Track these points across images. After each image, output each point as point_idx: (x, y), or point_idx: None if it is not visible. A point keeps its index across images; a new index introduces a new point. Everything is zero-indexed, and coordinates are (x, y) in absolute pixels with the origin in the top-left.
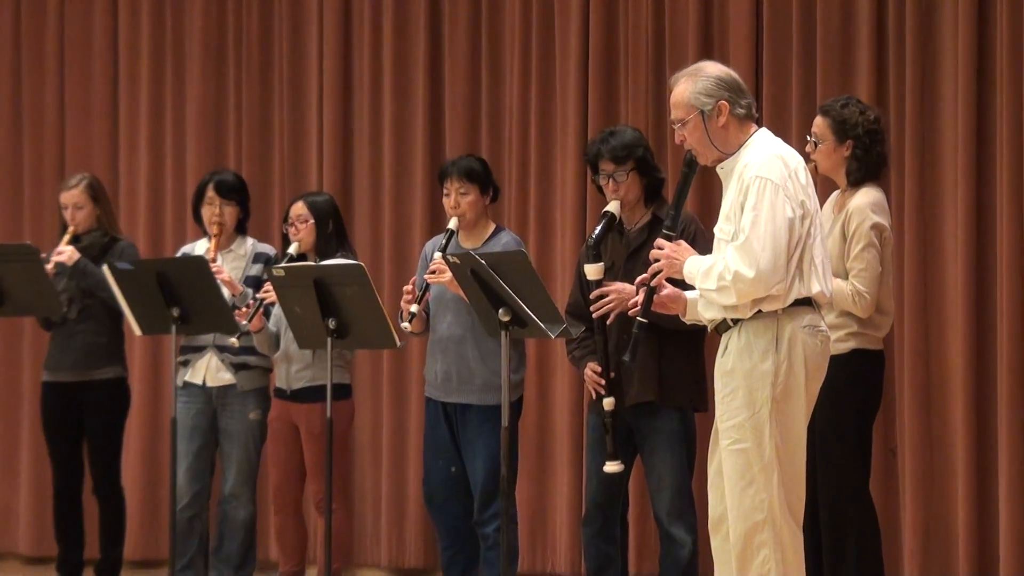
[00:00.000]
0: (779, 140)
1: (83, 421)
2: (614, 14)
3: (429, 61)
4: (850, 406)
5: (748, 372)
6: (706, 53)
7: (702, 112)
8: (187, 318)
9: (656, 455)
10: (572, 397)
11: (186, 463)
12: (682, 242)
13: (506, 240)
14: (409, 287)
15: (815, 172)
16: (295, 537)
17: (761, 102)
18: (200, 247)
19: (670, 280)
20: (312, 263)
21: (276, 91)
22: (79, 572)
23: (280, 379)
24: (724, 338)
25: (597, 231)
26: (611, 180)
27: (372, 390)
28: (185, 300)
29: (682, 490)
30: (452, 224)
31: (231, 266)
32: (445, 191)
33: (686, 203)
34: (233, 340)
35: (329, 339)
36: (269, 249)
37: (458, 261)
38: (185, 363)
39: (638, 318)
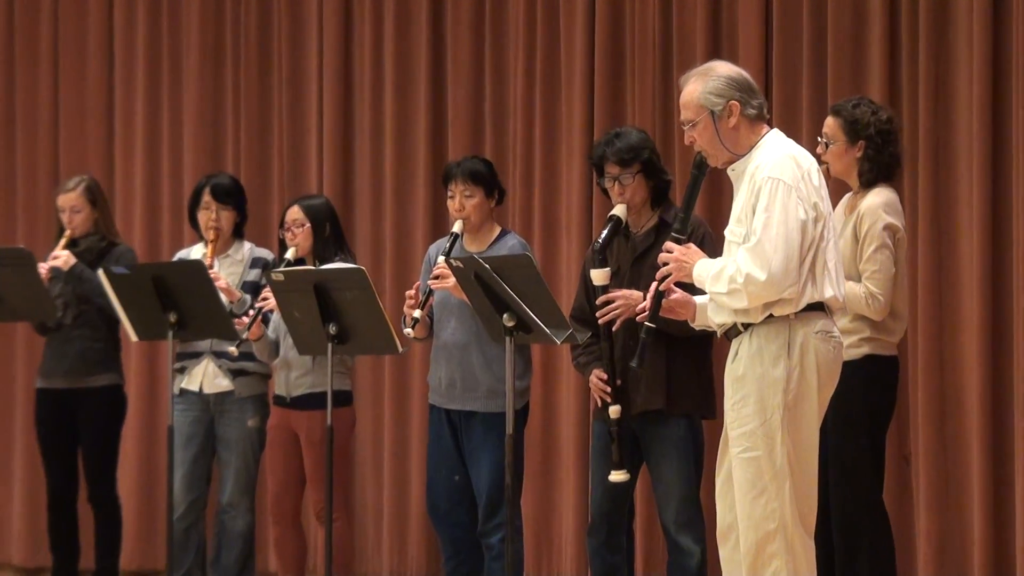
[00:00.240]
0: (791, 141)
1: (78, 429)
2: (620, 13)
3: (431, 60)
4: (863, 413)
5: (759, 378)
6: (715, 53)
7: (712, 112)
8: (184, 323)
9: (663, 463)
10: (577, 404)
11: (182, 471)
12: (691, 245)
13: (512, 243)
14: (412, 292)
15: (827, 174)
16: (294, 547)
17: (771, 103)
18: (196, 252)
19: (679, 284)
20: (312, 267)
21: (275, 91)
22: None
23: (279, 386)
24: (734, 343)
25: (603, 235)
26: (617, 183)
27: (374, 397)
28: (182, 305)
29: (690, 499)
30: (456, 227)
31: (228, 271)
32: (449, 193)
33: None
34: (232, 349)
35: (330, 345)
36: (267, 253)
37: (461, 265)
38: (181, 370)
39: (646, 323)
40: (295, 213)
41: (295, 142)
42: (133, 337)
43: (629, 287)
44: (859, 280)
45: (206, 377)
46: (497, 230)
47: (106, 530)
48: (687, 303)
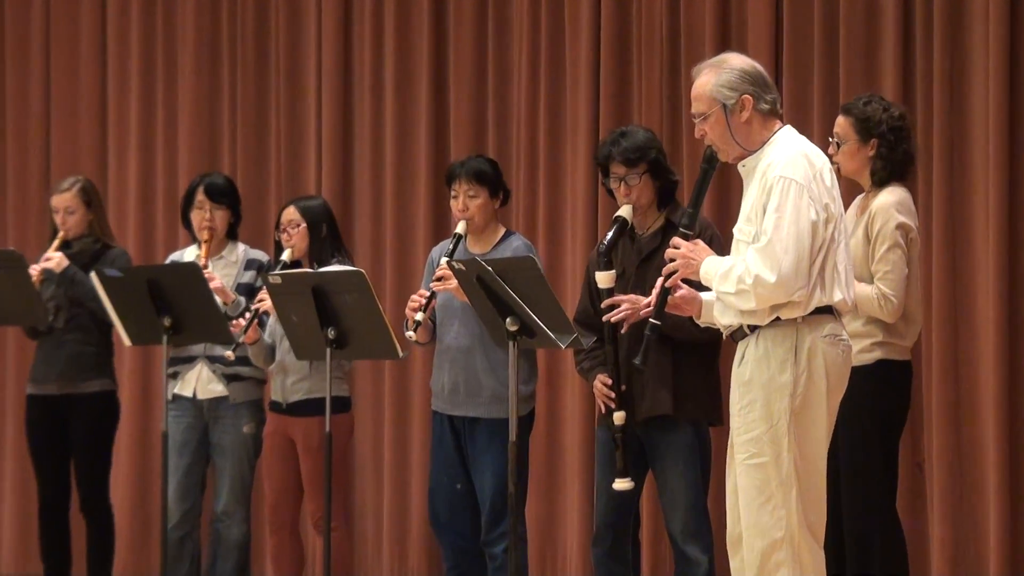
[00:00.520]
0: (804, 138)
1: (70, 436)
2: (627, 9)
3: (433, 57)
4: (876, 419)
5: (766, 383)
6: (723, 49)
7: (724, 106)
8: (179, 328)
9: (669, 471)
10: (582, 410)
11: (176, 479)
12: (699, 241)
13: (516, 245)
14: (416, 296)
15: (838, 175)
16: (292, 557)
17: (781, 102)
18: (190, 254)
19: (685, 281)
20: (310, 270)
21: (272, 89)
22: None
23: (276, 392)
24: (740, 346)
25: (608, 237)
26: (622, 183)
27: (373, 403)
28: (177, 309)
29: (697, 507)
30: (460, 228)
31: (222, 273)
32: (452, 193)
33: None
34: (228, 353)
35: (328, 349)
36: (261, 255)
37: (463, 267)
38: (175, 375)
39: (650, 319)
40: (291, 214)
41: (293, 142)
42: (127, 342)
43: (635, 290)
44: (871, 281)
45: (200, 382)
46: (501, 231)
47: (98, 539)
48: (693, 299)
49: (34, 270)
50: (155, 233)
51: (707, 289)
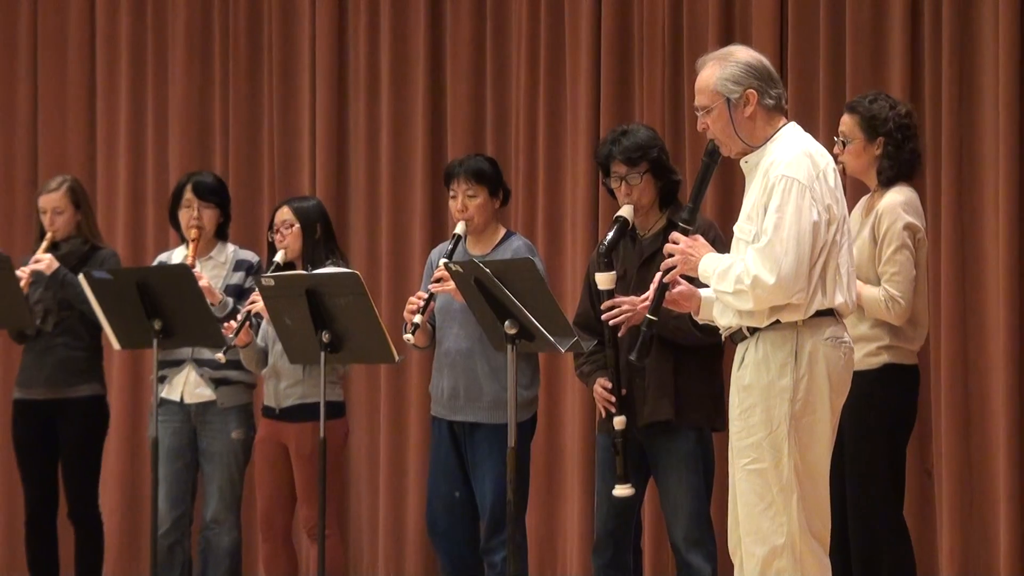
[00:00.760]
0: (808, 136)
1: (58, 441)
2: (628, 4)
3: (430, 54)
4: (882, 425)
5: (766, 387)
6: (726, 45)
7: (728, 100)
8: (170, 331)
9: (671, 478)
10: (583, 416)
11: (166, 486)
12: (699, 237)
13: (517, 246)
14: (414, 298)
15: (843, 175)
16: (285, 566)
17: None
18: (178, 255)
19: (684, 277)
20: (304, 272)
21: (265, 86)
22: None
23: (268, 397)
24: (740, 349)
25: (609, 237)
26: (624, 183)
27: (369, 408)
28: (167, 311)
29: (700, 515)
30: (459, 229)
31: (210, 274)
32: (451, 193)
33: (704, 204)
34: (219, 356)
35: (322, 353)
36: (252, 256)
37: (460, 269)
38: (162, 379)
39: (647, 315)
40: (284, 214)
41: (286, 141)
42: (116, 345)
43: (636, 292)
44: (877, 283)
45: (187, 386)
46: (502, 232)
47: (87, 548)
48: (691, 296)
49: (23, 272)
50: (145, 234)
51: (707, 285)
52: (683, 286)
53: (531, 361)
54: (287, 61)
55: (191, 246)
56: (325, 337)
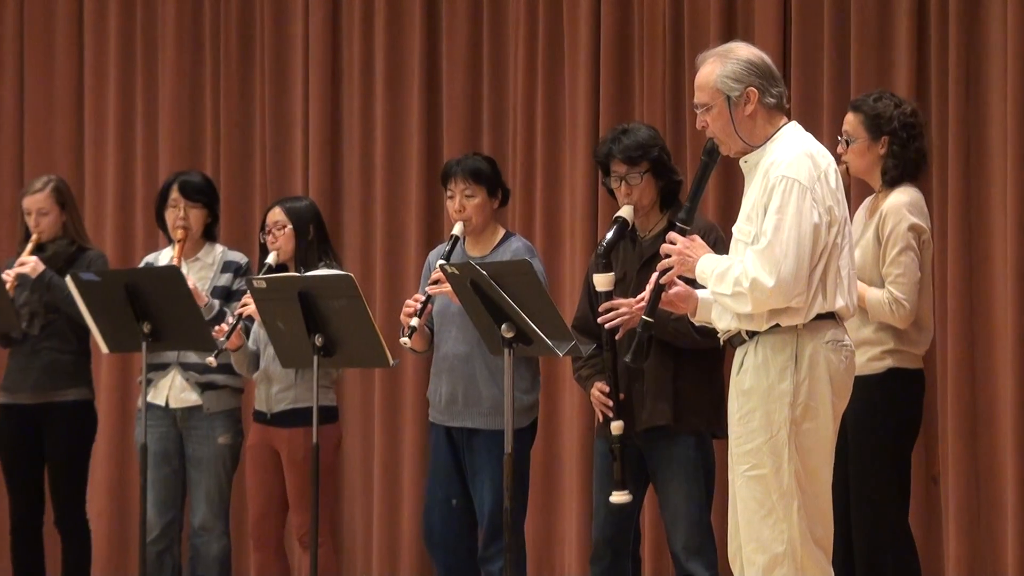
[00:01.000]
0: (810, 136)
1: (44, 447)
2: (628, 1)
3: (426, 51)
4: (887, 431)
5: (766, 392)
6: (729, 41)
7: (728, 98)
8: (159, 334)
9: (670, 485)
10: (581, 421)
11: (153, 492)
12: (696, 237)
13: (516, 247)
14: (411, 300)
15: (846, 175)
16: (277, 573)
17: (789, 97)
18: (165, 256)
19: (682, 278)
20: (296, 274)
21: (257, 85)
22: None
23: (260, 401)
24: (738, 353)
25: (608, 237)
26: (623, 183)
27: (363, 413)
28: (157, 314)
29: (699, 523)
30: (456, 230)
31: (198, 275)
32: (448, 193)
33: (705, 205)
34: (211, 359)
35: (315, 357)
36: (240, 257)
37: (457, 271)
38: (148, 382)
39: (643, 316)
40: (276, 215)
41: (279, 140)
42: (104, 349)
43: (635, 294)
44: (881, 285)
45: (172, 391)
46: (501, 233)
47: (74, 555)
48: (688, 297)
49: (8, 276)
50: (134, 235)
51: (704, 287)
52: (680, 287)
53: (531, 365)
54: (279, 57)
55: (177, 247)
56: (318, 341)
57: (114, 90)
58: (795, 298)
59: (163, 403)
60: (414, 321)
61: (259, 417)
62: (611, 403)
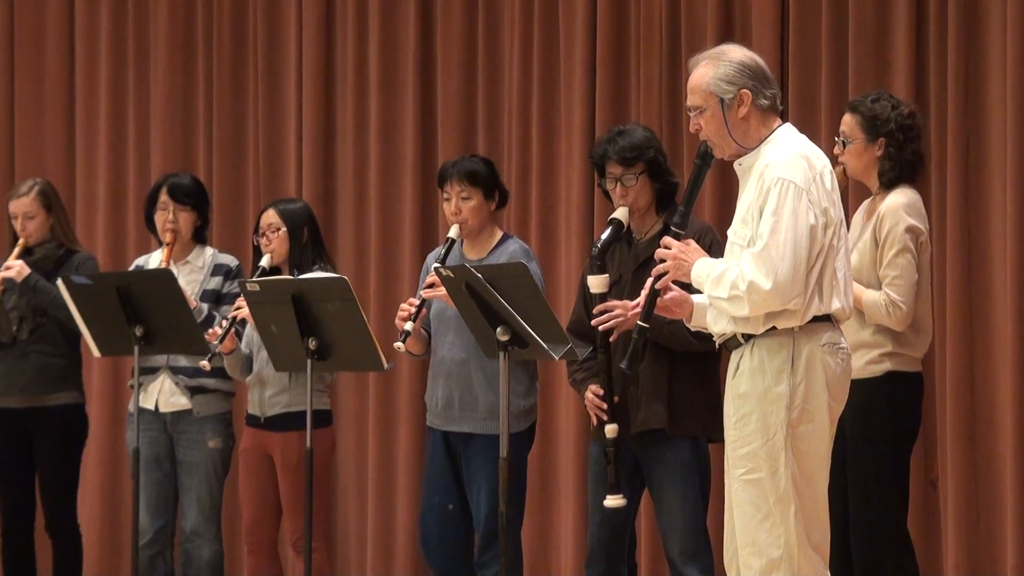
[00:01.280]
0: (804, 137)
1: (35, 452)
2: (624, 0)
3: (420, 51)
4: (885, 434)
5: (762, 395)
6: (726, 42)
7: (722, 100)
8: (151, 337)
9: (666, 489)
10: (577, 425)
11: (145, 497)
12: (691, 241)
13: (513, 249)
14: (406, 304)
15: (843, 177)
16: None
17: (787, 98)
18: (155, 259)
19: (677, 282)
20: (290, 277)
21: (250, 85)
22: None
23: (253, 405)
24: (734, 357)
25: (602, 238)
26: (619, 184)
27: (357, 417)
28: (149, 317)
29: (696, 528)
30: (453, 232)
31: (187, 279)
32: (444, 195)
33: (701, 207)
34: (204, 363)
35: (309, 361)
36: (230, 260)
37: (452, 274)
38: (139, 386)
39: (638, 322)
40: (270, 217)
41: (272, 142)
42: (96, 352)
43: (630, 297)
44: (879, 287)
45: (162, 394)
46: (498, 235)
47: (65, 561)
48: (683, 302)
49: None
50: (126, 238)
51: (699, 291)
52: (675, 292)
53: (528, 369)
54: (273, 59)
55: (166, 250)
56: (312, 344)
57: (105, 91)
58: (792, 300)
59: (153, 407)
60: (408, 325)
61: (252, 421)
62: (605, 406)
